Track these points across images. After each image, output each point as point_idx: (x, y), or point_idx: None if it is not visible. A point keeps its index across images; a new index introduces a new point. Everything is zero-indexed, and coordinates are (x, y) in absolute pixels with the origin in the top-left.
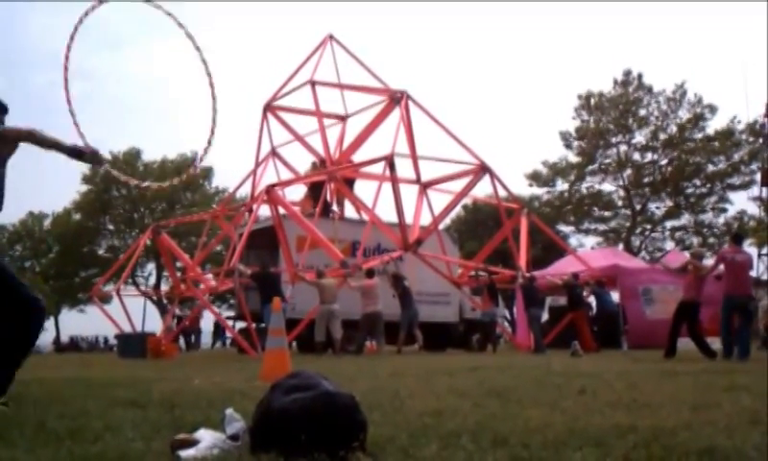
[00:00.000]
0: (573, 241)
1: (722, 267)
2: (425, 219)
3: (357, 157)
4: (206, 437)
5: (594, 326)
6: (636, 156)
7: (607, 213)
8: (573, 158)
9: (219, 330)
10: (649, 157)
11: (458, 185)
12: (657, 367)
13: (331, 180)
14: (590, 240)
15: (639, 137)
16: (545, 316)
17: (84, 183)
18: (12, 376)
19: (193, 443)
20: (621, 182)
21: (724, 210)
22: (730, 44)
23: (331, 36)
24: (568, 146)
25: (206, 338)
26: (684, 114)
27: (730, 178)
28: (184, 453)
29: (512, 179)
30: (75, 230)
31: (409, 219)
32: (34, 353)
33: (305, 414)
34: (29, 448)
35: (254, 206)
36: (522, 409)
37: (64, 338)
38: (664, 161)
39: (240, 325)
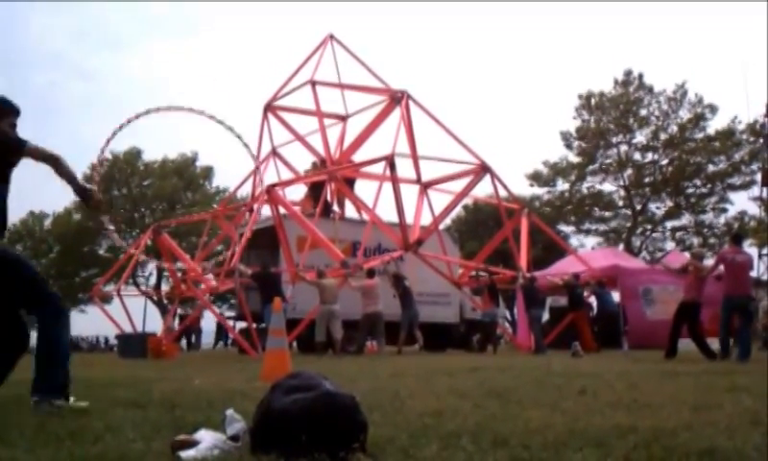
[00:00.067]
0: (574, 241)
1: (722, 267)
2: (426, 219)
3: (358, 156)
4: (207, 438)
5: (595, 326)
6: (637, 156)
7: (607, 213)
8: (574, 158)
9: (221, 330)
10: (650, 157)
11: (458, 185)
12: (657, 367)
13: (332, 180)
14: (591, 240)
15: (640, 137)
16: (546, 316)
17: (85, 184)
18: (66, 374)
19: (193, 443)
20: (622, 182)
21: (724, 210)
22: (730, 44)
23: (332, 36)
24: (569, 146)
25: (207, 338)
26: (684, 114)
27: (730, 178)
28: (185, 454)
29: (512, 179)
30: (75, 229)
31: (409, 219)
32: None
33: (306, 414)
34: (29, 448)
35: (255, 206)
36: (523, 410)
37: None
38: (665, 161)
39: (241, 325)
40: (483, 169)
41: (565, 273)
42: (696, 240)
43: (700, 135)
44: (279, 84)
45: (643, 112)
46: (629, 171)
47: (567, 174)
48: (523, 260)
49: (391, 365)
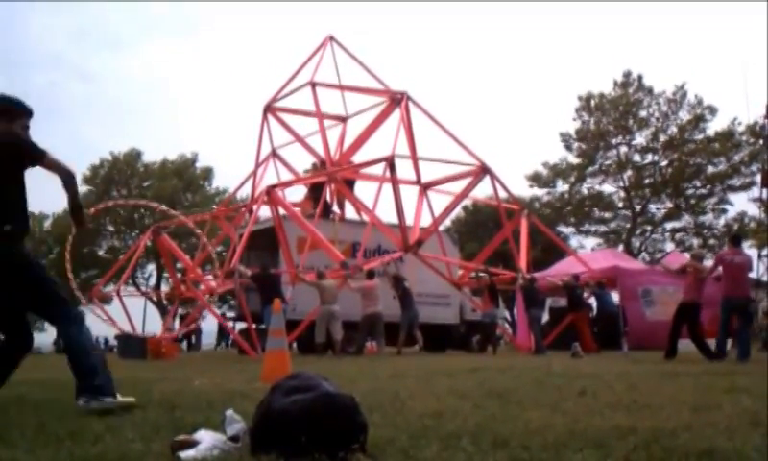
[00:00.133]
0: (573, 242)
1: (720, 269)
2: (426, 220)
3: (357, 158)
4: (207, 438)
5: (594, 327)
6: (637, 157)
7: (607, 214)
8: (573, 160)
9: (223, 332)
10: (649, 158)
11: (458, 186)
12: (657, 368)
13: (332, 181)
14: (591, 241)
15: (640, 139)
16: (546, 317)
17: (85, 184)
18: (97, 373)
19: (193, 444)
20: (621, 184)
21: (724, 212)
22: (730, 45)
23: (332, 38)
24: (569, 147)
25: (207, 339)
26: (684, 115)
27: (730, 179)
28: (185, 454)
29: (512, 180)
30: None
31: (409, 220)
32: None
33: (305, 415)
34: (29, 448)
35: (255, 207)
36: (523, 411)
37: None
38: (665, 163)
39: (240, 326)
40: (483, 170)
41: (565, 274)
42: (696, 241)
43: (700, 137)
44: (279, 85)
45: (643, 114)
46: (628, 172)
47: (567, 175)
48: (523, 261)
49: (391, 366)
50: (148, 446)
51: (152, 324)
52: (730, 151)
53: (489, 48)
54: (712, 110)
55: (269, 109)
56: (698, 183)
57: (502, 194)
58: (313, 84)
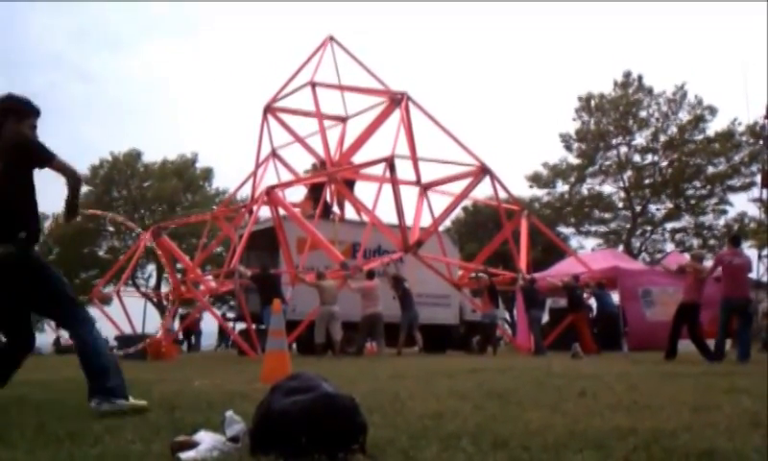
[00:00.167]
0: (573, 243)
1: (720, 269)
2: (425, 221)
3: (357, 158)
4: (206, 439)
5: (594, 327)
6: (637, 157)
7: (607, 215)
8: (573, 160)
9: (224, 332)
10: (649, 158)
11: (458, 187)
12: (657, 369)
13: (331, 181)
14: (591, 242)
15: (640, 139)
16: (546, 318)
17: (85, 185)
18: (109, 374)
19: (193, 445)
20: (621, 184)
21: (724, 212)
22: (730, 45)
23: (332, 38)
24: (569, 148)
25: (209, 339)
26: (684, 116)
27: (730, 179)
28: (184, 455)
29: (512, 180)
30: (75, 231)
31: (409, 221)
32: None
33: (305, 416)
34: (29, 449)
35: (255, 208)
36: (522, 411)
37: (65, 340)
38: (665, 163)
39: (240, 326)
40: (483, 171)
41: (565, 274)
42: (696, 242)
43: (700, 137)
44: (279, 86)
45: (643, 114)
46: (628, 173)
47: (567, 175)
48: (523, 262)
49: (390, 366)
50: (148, 447)
51: (152, 324)
52: (730, 151)
53: (489, 48)
54: (712, 111)
55: (269, 109)
56: (698, 184)
57: (502, 194)
58: (313, 85)
